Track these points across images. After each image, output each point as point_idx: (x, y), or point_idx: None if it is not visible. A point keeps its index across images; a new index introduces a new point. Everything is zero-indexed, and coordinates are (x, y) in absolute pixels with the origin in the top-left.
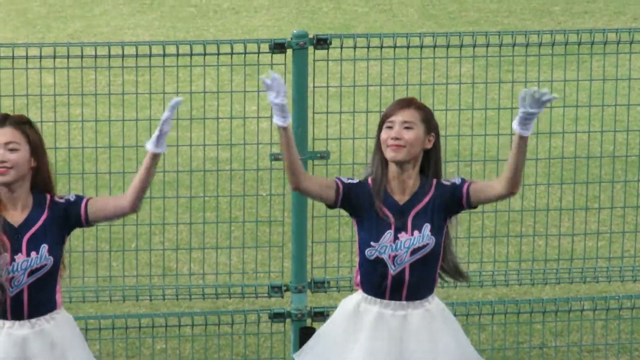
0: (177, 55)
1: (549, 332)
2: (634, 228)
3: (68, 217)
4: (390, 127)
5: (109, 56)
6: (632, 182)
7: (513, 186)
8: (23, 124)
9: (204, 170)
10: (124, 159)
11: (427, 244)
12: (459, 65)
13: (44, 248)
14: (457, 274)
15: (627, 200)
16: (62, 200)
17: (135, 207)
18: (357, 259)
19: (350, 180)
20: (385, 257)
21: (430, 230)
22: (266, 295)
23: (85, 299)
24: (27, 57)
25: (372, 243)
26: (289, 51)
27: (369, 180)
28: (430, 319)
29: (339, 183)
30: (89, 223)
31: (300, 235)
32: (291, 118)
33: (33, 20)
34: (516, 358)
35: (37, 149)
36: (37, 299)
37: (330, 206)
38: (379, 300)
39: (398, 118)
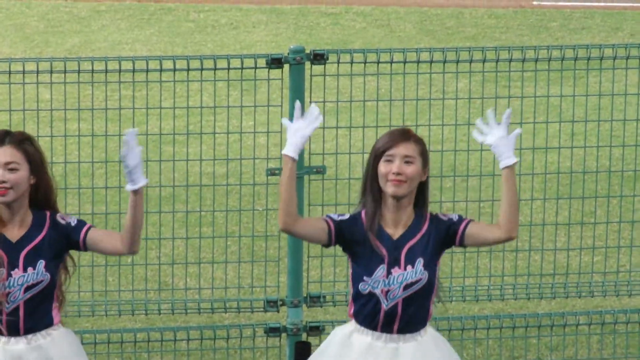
0: (174, 70)
1: (545, 347)
2: (629, 243)
3: (66, 239)
4: (389, 161)
5: (106, 71)
6: (628, 197)
7: (510, 230)
8: (23, 142)
9: (201, 185)
10: (120, 174)
11: (420, 279)
12: (456, 80)
13: (41, 264)
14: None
15: (623, 216)
16: (63, 222)
17: (131, 250)
18: (350, 291)
19: (341, 217)
20: (377, 291)
21: (424, 265)
22: (262, 309)
23: (81, 313)
24: (24, 72)
25: (365, 277)
26: (286, 66)
27: (362, 214)
28: (423, 351)
29: (330, 223)
30: (85, 249)
31: (296, 250)
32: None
33: (31, 35)
34: None
35: (37, 166)
36: (33, 315)
37: (325, 246)
38: (371, 332)
39: (399, 152)
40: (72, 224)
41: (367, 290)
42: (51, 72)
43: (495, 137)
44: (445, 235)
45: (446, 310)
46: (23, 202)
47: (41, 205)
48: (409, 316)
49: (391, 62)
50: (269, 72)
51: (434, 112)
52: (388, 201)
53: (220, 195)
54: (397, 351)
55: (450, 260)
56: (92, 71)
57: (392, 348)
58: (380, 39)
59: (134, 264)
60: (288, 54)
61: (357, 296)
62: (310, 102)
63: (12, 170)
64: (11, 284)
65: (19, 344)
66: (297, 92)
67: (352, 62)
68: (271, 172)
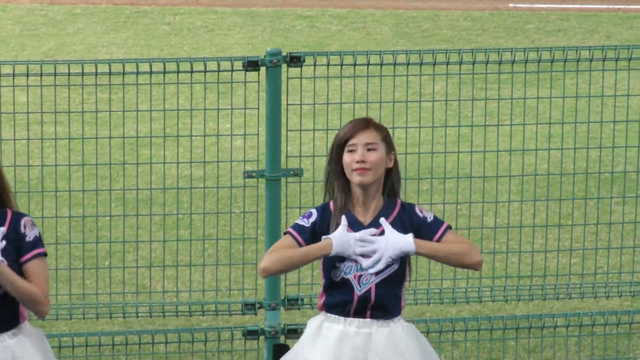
0: (151, 73)
1: (522, 349)
2: (606, 245)
3: (18, 247)
4: (352, 151)
5: (82, 74)
6: (605, 199)
7: (477, 264)
8: None
9: (178, 188)
10: (97, 177)
11: (392, 264)
12: (433, 82)
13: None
14: None
15: (600, 217)
16: (24, 231)
17: (34, 313)
18: (322, 282)
19: (303, 223)
20: (350, 277)
21: None
22: (240, 312)
23: (58, 316)
24: (0, 75)
25: (337, 264)
26: (263, 69)
27: (331, 204)
28: (397, 338)
29: (297, 237)
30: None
31: None
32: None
33: (7, 38)
34: None
35: None
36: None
37: None
38: (342, 318)
39: (360, 140)
40: (30, 239)
41: (340, 277)
42: (27, 75)
43: (384, 244)
44: (417, 232)
45: (423, 313)
46: None
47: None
48: (382, 302)
49: (368, 65)
50: (245, 74)
51: (410, 114)
52: (356, 190)
53: (198, 198)
54: (370, 336)
55: (428, 262)
56: (69, 74)
57: (366, 333)
58: (357, 41)
59: (112, 267)
60: (264, 56)
61: (329, 286)
62: (287, 104)
63: None
64: None
65: None
66: (274, 94)
67: (328, 65)
68: (248, 175)
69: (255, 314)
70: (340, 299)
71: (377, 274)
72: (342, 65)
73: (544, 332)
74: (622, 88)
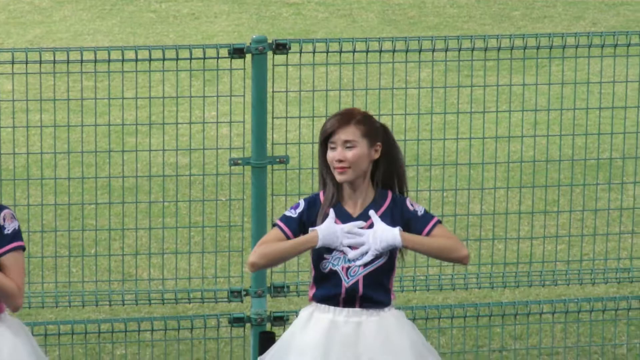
0: (136, 60)
1: (508, 336)
2: (592, 231)
3: None
4: (333, 148)
5: (68, 62)
6: (591, 186)
7: (463, 258)
8: None
9: (164, 175)
10: (82, 164)
11: (380, 256)
12: (418, 70)
13: None
14: None
15: (586, 204)
16: (3, 223)
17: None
18: (312, 274)
19: (290, 214)
20: (338, 269)
21: None
22: (226, 300)
23: (44, 304)
24: None
25: (325, 255)
26: (248, 56)
27: (321, 195)
28: (387, 327)
29: (286, 229)
30: None
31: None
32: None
33: None
34: None
35: None
36: None
37: None
38: (332, 308)
39: (339, 137)
40: (8, 231)
41: (328, 269)
42: (13, 62)
43: (371, 237)
44: (406, 225)
45: (410, 300)
46: None
47: None
48: (370, 294)
49: (353, 52)
50: (231, 62)
51: (396, 101)
52: (343, 185)
53: (183, 186)
54: (360, 325)
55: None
56: (54, 62)
57: (355, 322)
58: (343, 28)
59: (98, 255)
60: (250, 43)
61: (318, 277)
62: (273, 91)
63: None
64: None
65: None
66: (260, 82)
67: (314, 52)
68: (234, 162)
69: (242, 302)
70: (329, 290)
71: (365, 266)
72: (328, 52)
73: (530, 318)
74: (608, 75)
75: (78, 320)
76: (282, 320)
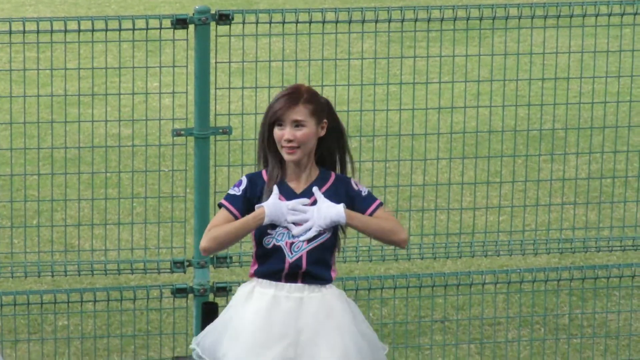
0: (79, 31)
1: (451, 306)
2: (535, 202)
3: None
4: (281, 127)
5: (10, 32)
6: (533, 157)
7: (403, 241)
8: None
9: (106, 146)
10: (25, 135)
11: (323, 232)
12: (362, 41)
13: None
14: None
15: (528, 175)
16: None
17: None
18: (254, 251)
19: (234, 192)
20: (282, 244)
21: None
22: (169, 270)
23: None
24: None
25: (269, 231)
26: (191, 27)
27: (264, 173)
28: (329, 302)
29: (233, 210)
30: None
31: (202, 211)
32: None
33: None
34: (418, 332)
35: None
36: None
37: None
38: (274, 283)
39: (288, 117)
40: None
41: (272, 244)
42: None
43: (315, 213)
44: (350, 204)
45: (352, 271)
46: None
47: None
48: (313, 270)
49: (296, 23)
50: (174, 32)
51: (339, 72)
52: (288, 164)
53: (126, 157)
54: (302, 301)
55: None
56: None
57: (297, 298)
58: (286, 0)
59: (40, 226)
60: (193, 14)
61: (261, 253)
62: (216, 62)
63: None
64: None
65: None
66: (202, 52)
67: (257, 23)
68: (177, 133)
69: (184, 272)
70: (272, 266)
71: (308, 241)
72: (270, 23)
73: (472, 289)
74: (551, 46)
75: (20, 291)
76: (224, 290)
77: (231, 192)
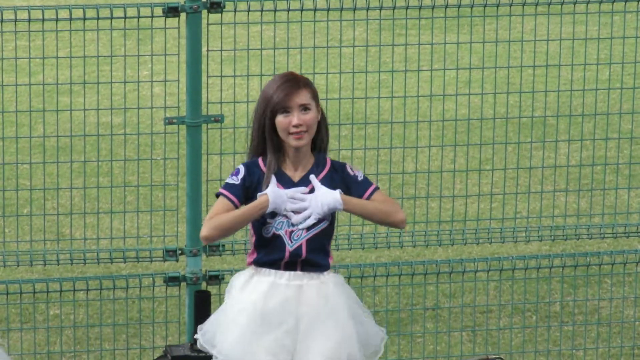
0: (70, 19)
1: (443, 294)
2: (526, 189)
3: None
4: (287, 113)
5: (2, 20)
6: (524, 144)
7: (401, 222)
8: None
9: (98, 135)
10: (17, 124)
11: (323, 219)
12: (353, 28)
13: None
14: None
15: (519, 162)
16: None
17: None
18: (252, 240)
19: (233, 181)
20: (282, 232)
21: None
22: (161, 259)
23: None
24: None
25: (268, 220)
26: (183, 15)
27: (260, 162)
28: (327, 291)
29: (232, 198)
30: None
31: (194, 199)
32: None
33: None
34: (410, 320)
35: None
36: None
37: None
38: (273, 271)
39: (295, 102)
40: None
41: (271, 233)
42: None
43: (313, 201)
44: (347, 189)
45: (344, 259)
46: None
47: None
48: (312, 257)
49: (288, 11)
50: (165, 21)
51: (330, 60)
52: (288, 149)
53: (117, 145)
54: (301, 288)
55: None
56: None
57: (297, 285)
58: None
59: (32, 215)
60: (184, 2)
61: (260, 243)
62: (208, 51)
63: None
64: None
65: None
66: (194, 41)
67: (249, 11)
68: (169, 121)
69: (177, 261)
70: (272, 255)
71: (308, 230)
72: (262, 11)
73: (464, 277)
74: (541, 33)
75: (12, 280)
76: (217, 279)
77: (229, 181)
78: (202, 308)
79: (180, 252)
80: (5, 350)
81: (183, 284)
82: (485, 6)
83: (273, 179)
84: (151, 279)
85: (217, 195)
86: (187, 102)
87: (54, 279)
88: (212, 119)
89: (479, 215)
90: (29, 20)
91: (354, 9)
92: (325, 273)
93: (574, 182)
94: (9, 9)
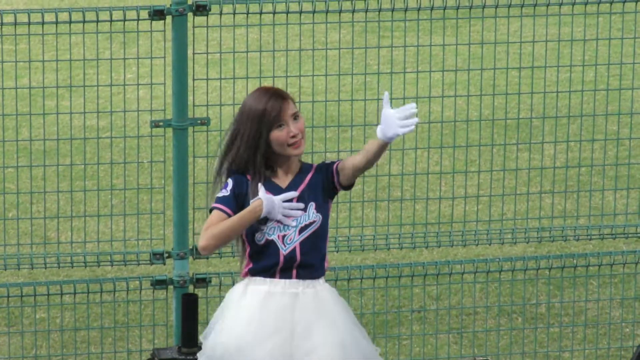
0: (56, 23)
1: (429, 296)
2: (512, 191)
3: None
4: (281, 126)
5: None
6: (510, 146)
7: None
8: None
9: (84, 138)
10: (3, 129)
11: (314, 221)
12: (339, 31)
13: None
14: None
15: (505, 164)
16: None
17: None
18: (247, 249)
19: (223, 194)
20: (274, 237)
21: (316, 208)
22: (148, 262)
23: None
24: None
25: (260, 227)
26: (169, 18)
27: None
28: (322, 299)
29: (226, 209)
30: None
31: (181, 202)
32: None
33: None
34: (397, 322)
35: None
36: None
37: None
38: (268, 279)
39: (286, 113)
40: None
41: (264, 240)
42: None
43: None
44: (326, 179)
45: (330, 261)
46: None
47: None
48: (307, 260)
49: (273, 13)
50: (151, 23)
51: (316, 62)
52: (279, 159)
53: (103, 149)
54: (297, 296)
55: (335, 212)
56: None
57: (292, 293)
58: None
59: (19, 219)
60: (170, 5)
61: (254, 251)
62: (194, 53)
63: None
64: None
65: None
66: (180, 43)
67: (234, 13)
68: (155, 124)
69: (164, 264)
70: (266, 262)
71: (300, 232)
72: (247, 13)
73: (451, 278)
74: (527, 35)
75: (0, 283)
76: (204, 282)
77: (220, 195)
78: (189, 311)
79: (167, 255)
80: None
81: (170, 287)
82: (470, 8)
83: (261, 187)
84: (138, 282)
85: (211, 210)
86: (173, 104)
87: (41, 282)
88: (198, 121)
89: (466, 217)
90: (15, 23)
91: (340, 12)
92: (321, 281)
93: (560, 184)
94: None
